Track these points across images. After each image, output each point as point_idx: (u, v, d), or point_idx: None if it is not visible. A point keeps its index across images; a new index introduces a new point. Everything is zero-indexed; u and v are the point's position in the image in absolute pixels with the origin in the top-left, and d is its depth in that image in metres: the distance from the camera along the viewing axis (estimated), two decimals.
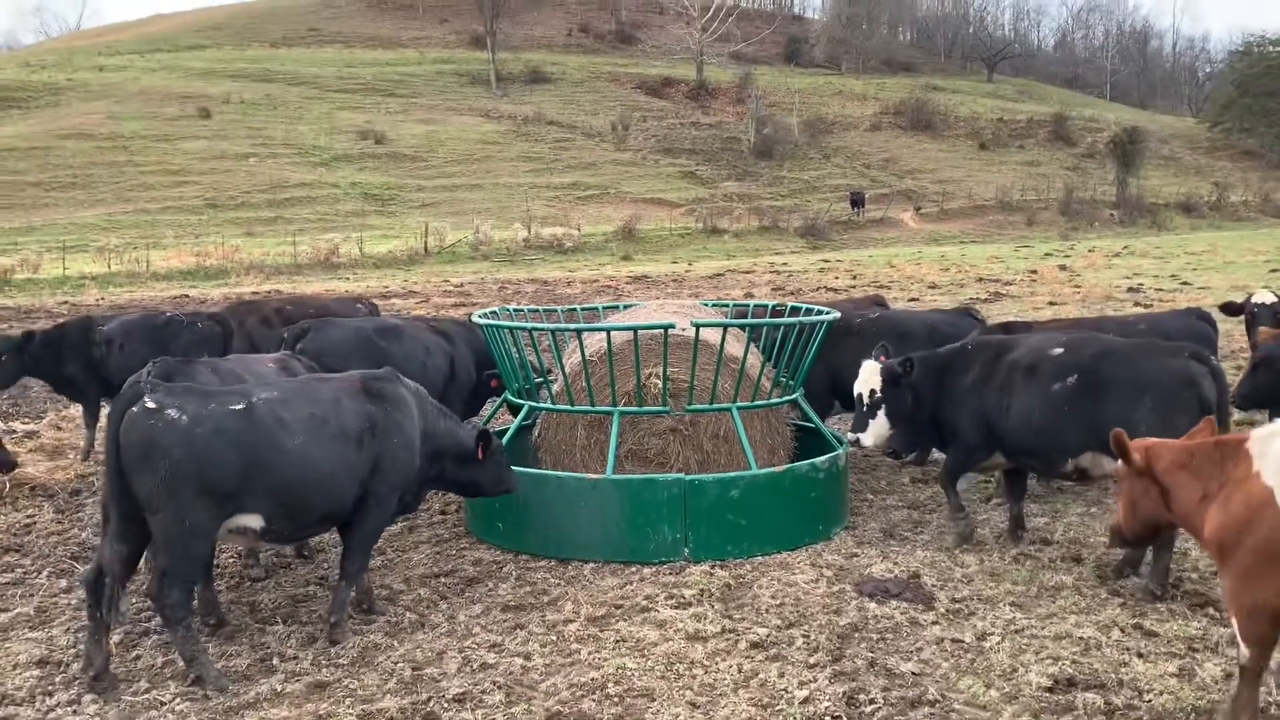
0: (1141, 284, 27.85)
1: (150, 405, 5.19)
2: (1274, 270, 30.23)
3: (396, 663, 5.56)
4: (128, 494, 5.20)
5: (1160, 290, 26.05)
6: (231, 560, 7.24)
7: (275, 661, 5.62)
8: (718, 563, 6.98)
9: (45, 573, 7.15)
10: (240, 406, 5.39)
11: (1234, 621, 4.41)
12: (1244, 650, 4.40)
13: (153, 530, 5.23)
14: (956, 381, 7.23)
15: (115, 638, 5.93)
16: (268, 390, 5.68)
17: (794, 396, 8.45)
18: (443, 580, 6.88)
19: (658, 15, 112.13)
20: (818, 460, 7.62)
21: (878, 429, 7.33)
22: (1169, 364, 6.53)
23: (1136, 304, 22.76)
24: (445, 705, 5.05)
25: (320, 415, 5.64)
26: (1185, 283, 27.92)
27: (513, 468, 6.95)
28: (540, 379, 8.69)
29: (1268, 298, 10.21)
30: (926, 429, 7.50)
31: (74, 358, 10.24)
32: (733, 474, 7.35)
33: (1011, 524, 7.50)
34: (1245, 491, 4.28)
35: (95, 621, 5.31)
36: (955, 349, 7.54)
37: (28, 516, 8.53)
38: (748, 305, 11.22)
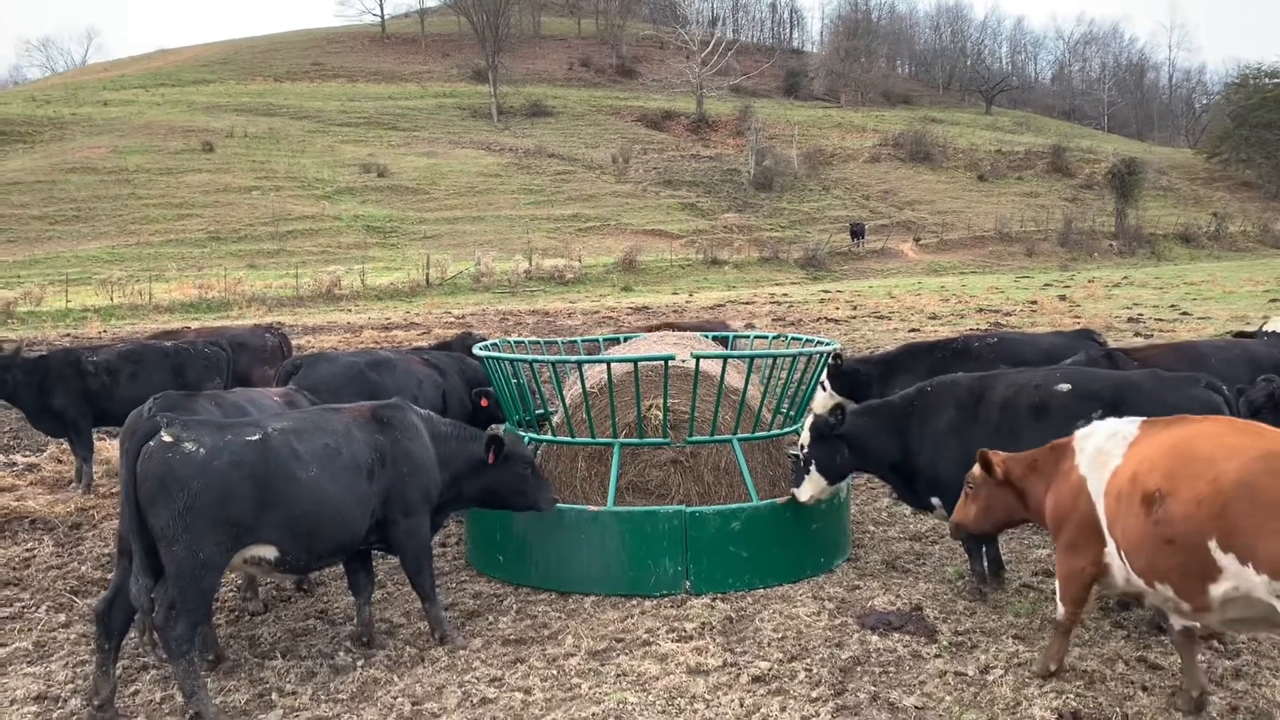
0: (1141, 314, 27.90)
1: (167, 439, 5.24)
2: (1274, 300, 30.29)
3: (396, 698, 5.52)
4: (146, 529, 5.24)
5: (1160, 320, 26.11)
6: (230, 594, 7.21)
7: (274, 697, 5.58)
8: (719, 595, 6.95)
9: (44, 607, 7.12)
10: (256, 438, 5.46)
11: (1058, 585, 5.46)
12: (1061, 609, 5.41)
13: (165, 562, 5.25)
14: (926, 427, 6.93)
15: (115, 671, 5.91)
16: (281, 421, 5.74)
17: (795, 428, 8.44)
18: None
19: (658, 49, 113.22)
20: None
21: (810, 485, 7.13)
22: (1191, 393, 6.49)
23: (1137, 334, 22.79)
24: None
25: (334, 446, 5.72)
26: (1185, 313, 27.97)
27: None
28: (541, 410, 8.69)
29: None
30: (919, 482, 7.09)
31: (62, 389, 10.18)
32: (734, 506, 7.32)
33: (991, 565, 7.19)
34: (1069, 481, 5.29)
35: (103, 653, 5.36)
36: (911, 393, 7.21)
37: (27, 550, 8.50)
38: (748, 336, 11.24)
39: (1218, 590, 4.51)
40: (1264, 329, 10.31)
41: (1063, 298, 34.73)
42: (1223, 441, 4.60)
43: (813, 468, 7.12)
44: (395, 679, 5.77)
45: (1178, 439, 4.81)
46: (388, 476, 5.94)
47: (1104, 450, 5.15)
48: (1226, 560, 4.41)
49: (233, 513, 5.27)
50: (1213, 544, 4.43)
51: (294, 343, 22.79)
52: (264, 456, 5.41)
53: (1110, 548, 5.04)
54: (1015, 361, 8.73)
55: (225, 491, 5.24)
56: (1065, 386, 6.75)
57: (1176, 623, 5.03)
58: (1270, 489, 4.28)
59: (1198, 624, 4.94)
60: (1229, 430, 4.75)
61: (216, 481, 5.22)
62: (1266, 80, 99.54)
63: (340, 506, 5.66)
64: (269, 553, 5.52)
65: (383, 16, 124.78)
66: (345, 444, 5.78)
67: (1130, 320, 26.24)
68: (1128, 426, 5.19)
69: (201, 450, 5.25)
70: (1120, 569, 5.02)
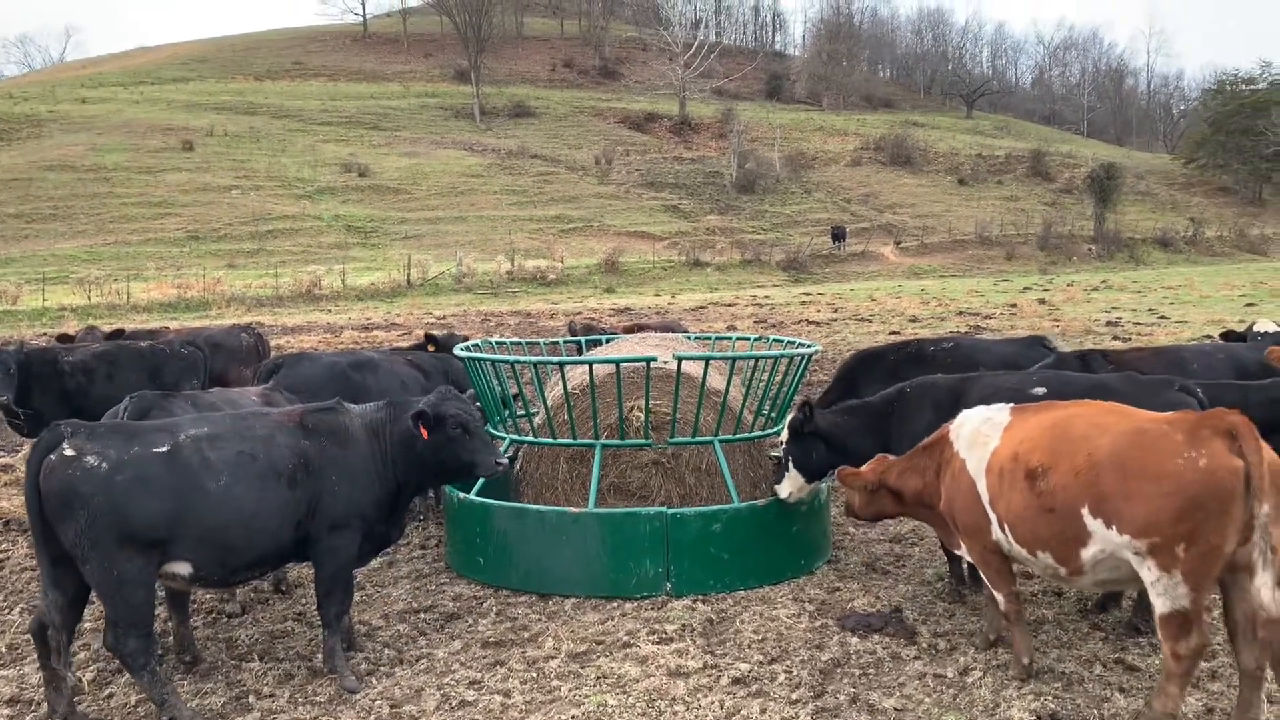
0: (1120, 318, 28.12)
1: (69, 452, 4.96)
2: (1250, 305, 30.58)
3: (374, 700, 5.48)
4: (53, 541, 5.01)
5: (1139, 324, 26.31)
6: (207, 596, 7.15)
7: (251, 700, 5.54)
8: (700, 597, 6.94)
9: (17, 609, 7.03)
10: (164, 449, 5.14)
11: (983, 576, 5.72)
12: (999, 598, 5.64)
13: (86, 580, 5.06)
14: (905, 428, 6.97)
15: (88, 675, 5.85)
16: (196, 428, 5.39)
17: (776, 429, 8.45)
18: (422, 616, 6.81)
19: (641, 51, 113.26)
20: None
21: (789, 482, 7.26)
22: (1166, 396, 6.53)
23: (1115, 337, 22.96)
24: None
25: (250, 453, 5.37)
26: (1163, 316, 28.20)
27: (493, 501, 6.80)
28: (523, 413, 8.66)
29: (1269, 326, 10.30)
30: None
31: (41, 389, 10.04)
32: (715, 507, 7.32)
33: (970, 567, 7.10)
34: (952, 466, 5.72)
35: (49, 671, 5.20)
36: (892, 393, 7.32)
37: (0, 552, 8.40)
38: (730, 338, 11.25)
39: (1088, 553, 4.97)
40: (1254, 329, 10.38)
41: (1042, 301, 34.95)
42: (1096, 420, 5.09)
43: (791, 465, 7.23)
44: (373, 681, 5.73)
45: (1056, 419, 5.27)
46: (313, 485, 5.54)
47: (981, 433, 5.59)
48: (1095, 525, 4.88)
49: (139, 529, 4.97)
50: (1085, 510, 4.91)
51: (274, 343, 22.65)
52: (172, 468, 5.10)
53: (993, 522, 5.45)
54: (967, 367, 8.80)
55: (129, 507, 4.94)
56: (1041, 390, 6.81)
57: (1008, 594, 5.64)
58: (1135, 460, 4.75)
59: (1017, 604, 5.64)
60: (1101, 411, 5.23)
61: (120, 497, 4.93)
62: (1243, 87, 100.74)
63: (256, 518, 5.30)
64: (183, 569, 5.24)
65: (365, 16, 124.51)
66: (264, 450, 5.41)
67: (1109, 324, 26.43)
68: (999, 413, 5.65)
69: (104, 464, 4.95)
70: (1002, 541, 5.45)
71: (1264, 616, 4.51)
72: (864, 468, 6.42)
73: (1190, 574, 4.58)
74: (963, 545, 5.82)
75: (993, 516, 5.44)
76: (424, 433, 5.86)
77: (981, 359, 9.33)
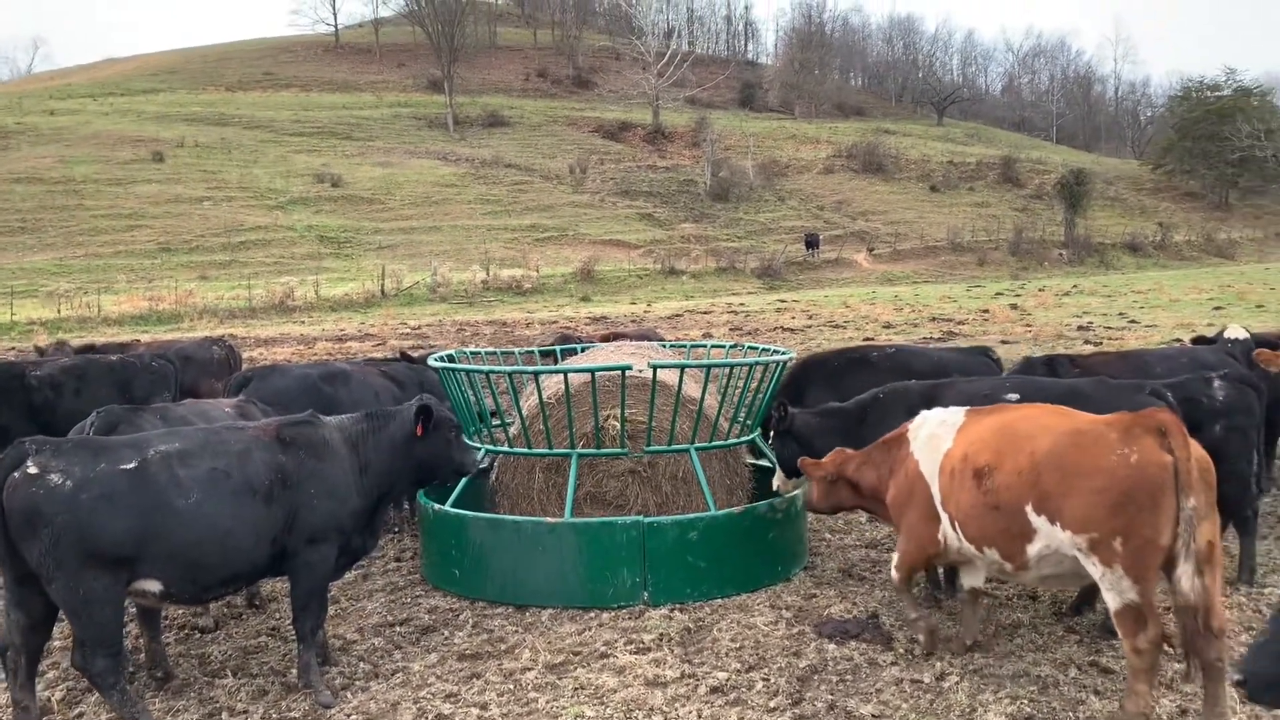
0: (1091, 322, 28.40)
1: (32, 470, 4.86)
2: (1218, 308, 30.97)
3: (349, 715, 5.43)
4: (18, 559, 4.92)
5: (1109, 328, 26.58)
6: (180, 611, 7.06)
7: (224, 716, 5.47)
8: (677, 606, 6.93)
9: None
10: (132, 465, 5.03)
11: (897, 555, 6.12)
12: (894, 575, 6.14)
13: (53, 599, 4.97)
14: (879, 432, 6.93)
15: (57, 695, 5.76)
16: (169, 442, 5.29)
17: (752, 437, 8.47)
18: (397, 629, 6.76)
19: (614, 60, 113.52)
20: (776, 500, 7.62)
21: (778, 475, 7.63)
22: (1136, 400, 6.58)
23: (1087, 342, 23.18)
24: None
25: (223, 469, 5.27)
26: (1133, 321, 28.51)
27: (469, 512, 6.80)
28: (499, 423, 8.62)
29: (1240, 333, 10.41)
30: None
31: (7, 404, 9.91)
32: (691, 515, 7.32)
33: (946, 572, 7.18)
34: (905, 466, 5.95)
35: (19, 689, 5.11)
36: (866, 398, 7.50)
37: None
38: (705, 345, 11.26)
39: (1034, 549, 5.19)
40: (1224, 335, 10.49)
41: (1014, 306, 35.24)
42: (1039, 422, 5.32)
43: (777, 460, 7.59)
44: (348, 696, 5.68)
45: (1003, 422, 5.52)
46: (291, 500, 5.46)
47: (935, 435, 5.82)
48: (1040, 522, 5.10)
49: (104, 548, 4.87)
50: (1029, 508, 5.13)
51: (247, 355, 22.48)
52: (138, 486, 4.99)
53: (944, 521, 5.68)
54: (907, 373, 8.96)
55: (93, 527, 4.84)
56: (1015, 396, 6.87)
57: (966, 582, 5.96)
58: (1073, 459, 4.97)
59: (983, 586, 5.97)
60: (1044, 413, 5.47)
61: (84, 516, 4.82)
62: (1208, 93, 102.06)
63: (229, 535, 5.21)
64: (153, 586, 5.14)
65: (336, 26, 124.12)
66: (239, 466, 5.32)
67: (1080, 329, 26.68)
68: (955, 415, 5.88)
69: (68, 482, 4.84)
70: (953, 538, 5.68)
71: (1180, 601, 4.74)
72: (824, 459, 6.70)
73: (1131, 567, 4.78)
74: (900, 536, 6.11)
75: (944, 515, 5.67)
76: (419, 429, 6.01)
77: (920, 366, 9.47)
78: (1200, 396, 6.92)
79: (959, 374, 8.64)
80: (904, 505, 5.97)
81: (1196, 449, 4.86)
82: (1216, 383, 7.09)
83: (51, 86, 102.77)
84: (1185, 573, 4.71)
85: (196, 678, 6.01)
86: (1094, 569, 4.90)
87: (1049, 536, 5.07)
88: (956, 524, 5.58)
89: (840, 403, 7.79)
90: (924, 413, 6.14)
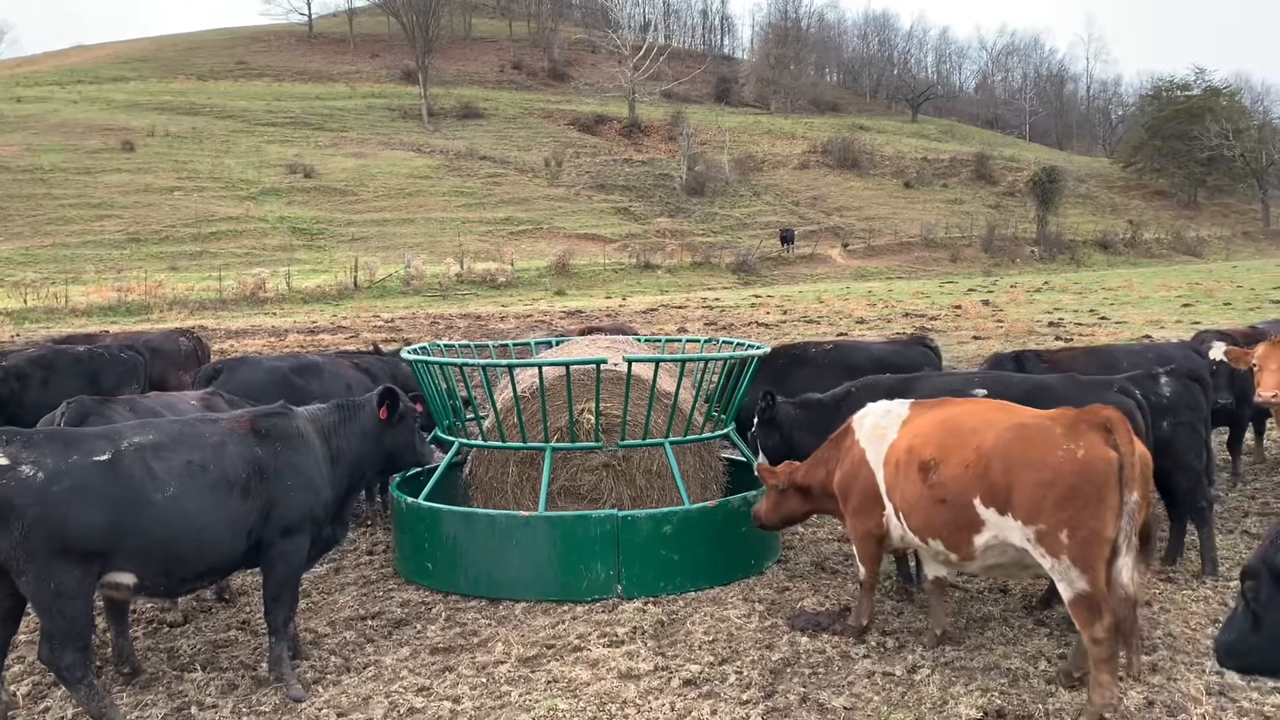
0: (1062, 319, 28.66)
1: (3, 461, 4.77)
2: (1186, 305, 31.35)
3: (320, 709, 5.40)
4: None
5: (1080, 325, 26.82)
6: (148, 605, 6.99)
7: (193, 711, 5.42)
8: (650, 599, 6.94)
9: None
10: (105, 457, 4.96)
11: (855, 550, 6.24)
12: (861, 569, 6.19)
13: (22, 591, 4.90)
14: None
15: (23, 689, 5.69)
16: (143, 435, 5.23)
17: (726, 430, 8.48)
18: (369, 623, 6.72)
19: (590, 53, 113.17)
20: (749, 494, 7.63)
21: (762, 459, 7.67)
22: (1104, 397, 6.63)
23: (1058, 338, 23.39)
24: None
25: (199, 462, 5.23)
26: (1104, 317, 28.79)
27: (442, 505, 6.78)
28: (472, 415, 8.59)
29: (1222, 355, 10.34)
30: None
31: None
32: (665, 509, 7.32)
33: (917, 566, 7.34)
34: (851, 456, 6.10)
35: None
36: (840, 393, 7.58)
37: None
38: (680, 339, 11.27)
39: (980, 540, 5.32)
40: (1210, 354, 10.30)
41: (986, 303, 35.49)
42: (983, 417, 5.45)
43: (759, 446, 7.71)
44: (319, 690, 5.64)
45: (947, 416, 5.62)
46: (267, 492, 5.44)
47: (880, 427, 5.97)
48: (989, 514, 5.21)
49: (77, 541, 4.80)
50: (977, 500, 5.24)
51: (217, 347, 22.26)
52: (112, 478, 4.92)
53: (889, 510, 5.84)
54: (848, 367, 9.18)
55: (66, 519, 4.77)
56: (982, 391, 6.94)
57: (929, 572, 6.01)
58: (1018, 452, 5.08)
59: (947, 575, 6.02)
60: (988, 408, 5.62)
61: (57, 509, 4.75)
62: (1178, 93, 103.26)
63: (205, 528, 5.17)
64: (127, 579, 5.09)
65: (310, 15, 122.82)
66: (214, 459, 5.28)
67: (1051, 325, 26.92)
68: (899, 407, 6.02)
69: (40, 474, 4.76)
70: (897, 528, 5.85)
71: (1120, 594, 4.83)
72: (777, 468, 6.79)
73: (1078, 558, 4.89)
74: (848, 524, 6.25)
75: (889, 504, 5.82)
76: (384, 413, 6.10)
77: (859, 360, 9.62)
78: (1148, 394, 7.00)
79: (895, 367, 8.89)
80: (849, 489, 6.10)
81: (1139, 445, 4.99)
82: (1164, 379, 7.22)
83: (18, 74, 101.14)
84: (1125, 565, 4.85)
85: (165, 672, 5.95)
86: (1043, 560, 5.01)
87: (998, 528, 5.19)
88: (901, 515, 5.71)
89: (818, 395, 7.83)
90: (868, 405, 6.27)
